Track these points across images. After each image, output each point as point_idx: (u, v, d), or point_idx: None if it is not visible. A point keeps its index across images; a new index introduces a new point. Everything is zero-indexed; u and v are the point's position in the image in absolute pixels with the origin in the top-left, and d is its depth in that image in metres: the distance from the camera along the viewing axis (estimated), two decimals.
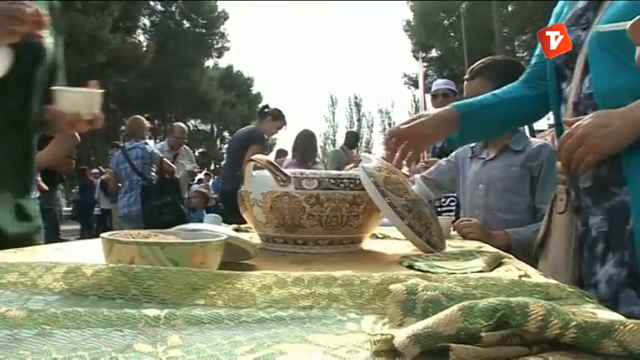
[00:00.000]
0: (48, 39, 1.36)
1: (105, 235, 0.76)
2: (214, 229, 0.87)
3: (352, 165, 5.18)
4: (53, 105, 1.27)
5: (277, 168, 1.12)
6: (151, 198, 5.31)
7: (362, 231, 1.21)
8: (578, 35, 1.26)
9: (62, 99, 1.26)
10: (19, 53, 1.24)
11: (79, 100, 1.27)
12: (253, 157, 1.17)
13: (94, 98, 1.29)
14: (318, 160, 5.51)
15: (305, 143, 5.30)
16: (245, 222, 1.33)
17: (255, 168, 1.21)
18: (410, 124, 1.42)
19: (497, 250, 1.20)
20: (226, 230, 0.89)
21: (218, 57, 31.70)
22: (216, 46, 31.31)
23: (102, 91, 1.31)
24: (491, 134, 1.63)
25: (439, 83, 4.40)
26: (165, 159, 5.68)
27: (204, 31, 30.38)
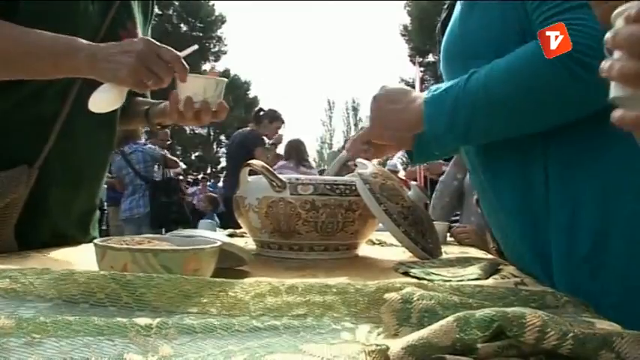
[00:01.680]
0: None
1: (97, 241, 0.75)
2: (208, 235, 0.86)
3: None
4: (175, 93, 1.15)
5: (273, 173, 1.11)
6: (158, 196, 5.31)
7: (357, 237, 1.20)
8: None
9: (189, 85, 1.12)
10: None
11: (207, 87, 1.13)
12: (248, 162, 1.17)
13: (221, 86, 1.16)
14: (313, 165, 5.52)
15: (297, 148, 5.30)
16: (240, 227, 1.32)
17: (250, 173, 1.21)
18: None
19: (494, 257, 1.20)
20: (220, 236, 0.88)
21: (215, 61, 31.69)
22: (213, 50, 31.34)
23: (226, 79, 1.19)
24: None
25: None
26: (168, 155, 5.69)
27: (201, 34, 30.36)
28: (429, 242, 1.15)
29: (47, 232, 1.23)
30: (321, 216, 1.10)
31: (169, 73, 1.04)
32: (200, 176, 10.61)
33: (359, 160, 1.21)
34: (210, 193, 8.56)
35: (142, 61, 1.00)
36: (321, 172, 8.82)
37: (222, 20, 31.63)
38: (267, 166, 1.13)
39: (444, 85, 0.96)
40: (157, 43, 1.05)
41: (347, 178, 1.19)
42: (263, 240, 1.18)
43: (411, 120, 1.00)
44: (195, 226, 8.02)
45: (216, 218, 8.66)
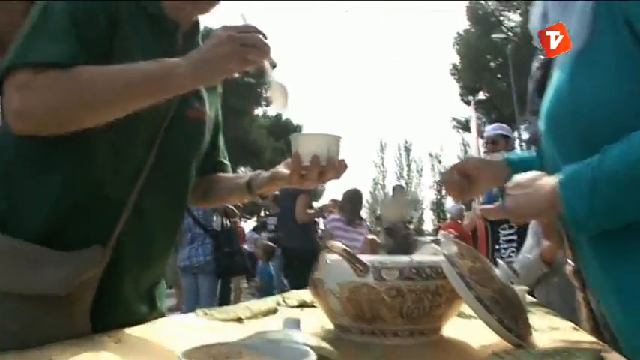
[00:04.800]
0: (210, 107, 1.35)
1: (183, 354, 0.71)
2: (295, 337, 0.81)
3: None
4: (296, 154, 1.14)
5: (355, 257, 1.06)
6: (221, 245, 5.32)
7: (443, 319, 1.13)
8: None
9: (312, 145, 1.12)
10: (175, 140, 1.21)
11: (331, 144, 1.13)
12: (328, 245, 1.11)
13: (340, 142, 1.15)
14: (364, 218, 5.61)
15: (353, 203, 5.36)
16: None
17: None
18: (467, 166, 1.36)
19: (598, 348, 1.10)
20: (307, 337, 0.83)
21: (267, 105, 32.21)
22: (265, 95, 31.90)
23: (340, 136, 1.17)
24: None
25: (488, 129, 4.39)
26: (227, 205, 5.75)
27: (252, 80, 31.04)
28: (521, 326, 1.07)
29: (120, 311, 1.21)
30: (407, 301, 1.04)
31: (259, 39, 1.05)
32: (255, 224, 10.62)
33: (442, 232, 1.16)
34: (267, 242, 8.53)
35: (233, 42, 1.02)
36: (376, 219, 8.74)
37: (273, 66, 32.29)
38: (349, 250, 1.08)
39: (574, 166, 0.91)
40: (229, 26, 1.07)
41: (433, 258, 1.12)
42: (343, 324, 1.12)
43: (543, 204, 0.98)
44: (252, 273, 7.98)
45: (269, 265, 8.56)
